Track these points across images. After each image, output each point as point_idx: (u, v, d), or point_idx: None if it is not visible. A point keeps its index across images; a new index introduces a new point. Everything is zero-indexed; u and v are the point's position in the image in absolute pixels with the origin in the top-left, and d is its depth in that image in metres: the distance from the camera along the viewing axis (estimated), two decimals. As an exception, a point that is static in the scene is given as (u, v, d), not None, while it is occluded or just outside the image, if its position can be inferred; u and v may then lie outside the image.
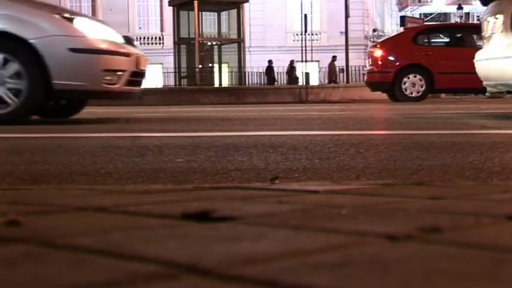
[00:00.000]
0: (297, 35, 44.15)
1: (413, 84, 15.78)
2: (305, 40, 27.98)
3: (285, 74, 36.31)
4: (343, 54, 28.42)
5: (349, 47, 27.82)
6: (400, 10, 56.81)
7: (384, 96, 17.20)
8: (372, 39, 42.85)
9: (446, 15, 59.61)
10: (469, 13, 55.45)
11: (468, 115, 7.99)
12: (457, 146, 3.74)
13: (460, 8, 49.33)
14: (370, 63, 16.78)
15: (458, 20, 50.17)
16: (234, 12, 26.77)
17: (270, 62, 35.83)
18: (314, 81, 39.08)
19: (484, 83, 7.66)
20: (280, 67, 35.87)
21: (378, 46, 17.02)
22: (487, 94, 22.05)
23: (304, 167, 2.91)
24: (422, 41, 16.78)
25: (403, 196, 1.62)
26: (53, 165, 3.06)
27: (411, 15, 48.06)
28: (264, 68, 35.61)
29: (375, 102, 16.59)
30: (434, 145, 3.85)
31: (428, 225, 1.17)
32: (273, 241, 1.07)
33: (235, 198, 1.60)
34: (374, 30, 46.02)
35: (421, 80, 15.77)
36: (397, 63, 15.90)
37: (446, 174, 2.65)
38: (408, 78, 15.76)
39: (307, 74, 28.60)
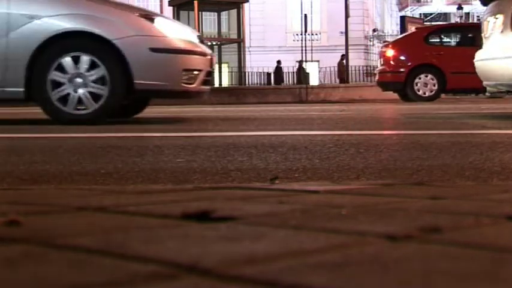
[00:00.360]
0: (297, 35, 44.13)
1: (426, 84, 15.78)
2: (305, 40, 27.99)
3: (286, 74, 36.28)
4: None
5: (349, 47, 27.83)
6: (400, 10, 56.79)
7: (384, 96, 17.19)
8: (371, 39, 42.84)
9: (446, 15, 59.59)
10: (469, 13, 55.44)
11: (468, 115, 7.99)
12: (457, 146, 3.74)
13: (460, 8, 49.33)
14: (382, 62, 16.73)
15: (458, 20, 50.16)
16: (234, 12, 26.76)
17: (278, 62, 35.78)
18: (314, 81, 39.07)
19: (484, 83, 7.65)
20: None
21: (390, 46, 16.99)
22: (487, 94, 22.07)
23: (304, 167, 2.91)
24: (434, 40, 16.77)
25: (403, 196, 1.62)
26: (53, 165, 3.06)
27: (411, 15, 48.05)
28: (268, 68, 35.46)
29: (375, 102, 16.59)
30: (434, 145, 3.85)
31: (428, 225, 1.17)
32: (273, 241, 1.07)
33: (235, 198, 1.60)
34: (374, 30, 46.00)
35: (433, 80, 15.76)
36: (409, 63, 15.88)
37: (446, 174, 2.65)
38: (421, 77, 15.75)
39: (307, 74, 28.60)
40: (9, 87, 6.29)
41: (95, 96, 6.29)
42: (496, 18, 7.03)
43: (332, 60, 35.56)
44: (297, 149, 3.69)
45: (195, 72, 6.65)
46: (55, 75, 6.25)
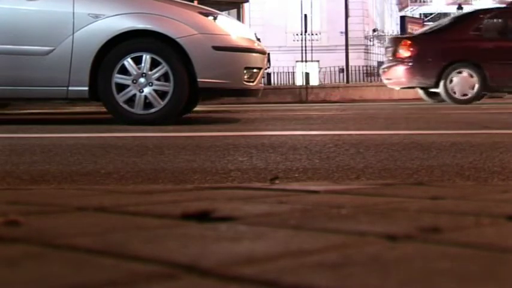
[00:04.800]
0: (297, 35, 44.10)
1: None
2: (305, 40, 27.99)
3: (284, 74, 36.14)
4: (343, 54, 28.42)
5: (349, 47, 27.81)
6: (400, 10, 56.78)
7: (384, 96, 17.15)
8: (371, 39, 42.84)
9: (446, 16, 59.64)
10: (469, 13, 55.44)
11: (468, 115, 8.00)
12: (457, 146, 3.74)
13: (460, 8, 49.27)
14: None
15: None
16: (234, 12, 26.73)
17: None
18: (314, 81, 39.07)
19: None
20: (280, 67, 35.83)
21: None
22: (487, 94, 21.95)
23: (304, 167, 2.91)
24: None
25: (403, 196, 1.62)
26: (53, 165, 3.06)
27: (411, 15, 48.06)
28: (267, 68, 34.84)
29: (375, 102, 16.58)
30: (434, 145, 3.85)
31: (428, 225, 1.17)
32: (273, 241, 1.07)
33: (235, 198, 1.60)
34: (374, 30, 45.97)
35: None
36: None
37: (446, 174, 2.65)
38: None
39: (307, 74, 28.55)
40: (73, 87, 6.30)
41: (160, 94, 6.29)
42: None
43: (332, 60, 35.51)
44: (297, 149, 3.69)
45: (255, 70, 6.68)
46: (119, 77, 6.26)
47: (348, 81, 28.06)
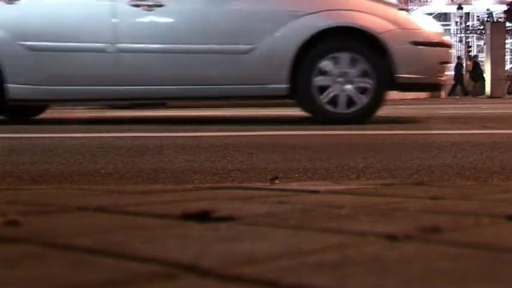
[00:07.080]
0: (297, 35, 44.02)
1: None
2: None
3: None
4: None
5: (349, 47, 27.78)
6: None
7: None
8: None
9: (446, 15, 59.64)
10: (469, 13, 55.45)
11: (468, 115, 8.00)
12: (457, 146, 3.74)
13: (460, 8, 49.33)
14: None
15: (458, 20, 50.14)
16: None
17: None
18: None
19: None
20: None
21: None
22: (486, 94, 22.00)
23: (304, 167, 2.91)
24: None
25: (403, 196, 1.62)
26: (53, 165, 3.06)
27: (411, 15, 48.02)
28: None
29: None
30: (434, 145, 3.85)
31: (428, 225, 1.17)
32: (273, 241, 1.07)
33: (235, 198, 1.60)
34: (374, 30, 45.95)
35: None
36: None
37: (446, 174, 2.65)
38: None
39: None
40: (273, 84, 6.30)
41: (361, 91, 6.26)
42: None
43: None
44: (297, 149, 3.69)
45: (445, 65, 6.69)
46: (320, 79, 6.24)
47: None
